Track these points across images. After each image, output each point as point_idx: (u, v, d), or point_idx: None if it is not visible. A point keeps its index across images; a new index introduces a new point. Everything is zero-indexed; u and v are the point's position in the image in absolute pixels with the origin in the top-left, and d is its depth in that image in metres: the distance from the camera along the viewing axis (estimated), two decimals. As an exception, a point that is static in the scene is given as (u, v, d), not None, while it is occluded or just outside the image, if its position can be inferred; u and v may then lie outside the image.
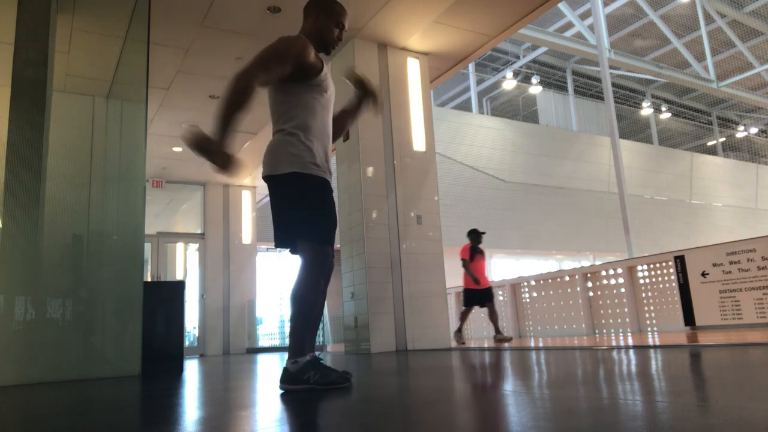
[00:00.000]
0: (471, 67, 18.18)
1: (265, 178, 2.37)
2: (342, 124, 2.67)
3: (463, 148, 16.15)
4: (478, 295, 7.17)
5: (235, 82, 2.17)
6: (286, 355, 2.34)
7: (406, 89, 6.56)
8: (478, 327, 9.79)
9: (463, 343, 6.95)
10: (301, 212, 2.31)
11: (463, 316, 7.37)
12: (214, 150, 2.11)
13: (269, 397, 2.18)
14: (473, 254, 7.29)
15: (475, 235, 7.38)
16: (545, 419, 1.33)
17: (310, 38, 2.45)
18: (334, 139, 2.58)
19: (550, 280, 8.51)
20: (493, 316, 7.06)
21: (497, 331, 6.99)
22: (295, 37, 2.39)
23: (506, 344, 6.23)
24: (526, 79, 18.32)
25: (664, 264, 6.98)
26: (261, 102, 7.79)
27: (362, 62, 6.32)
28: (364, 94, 2.59)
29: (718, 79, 17.22)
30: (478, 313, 9.89)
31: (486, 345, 6.27)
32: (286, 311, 11.51)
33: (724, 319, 6.09)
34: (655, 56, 17.92)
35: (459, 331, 7.23)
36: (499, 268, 17.51)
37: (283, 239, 2.36)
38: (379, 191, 6.17)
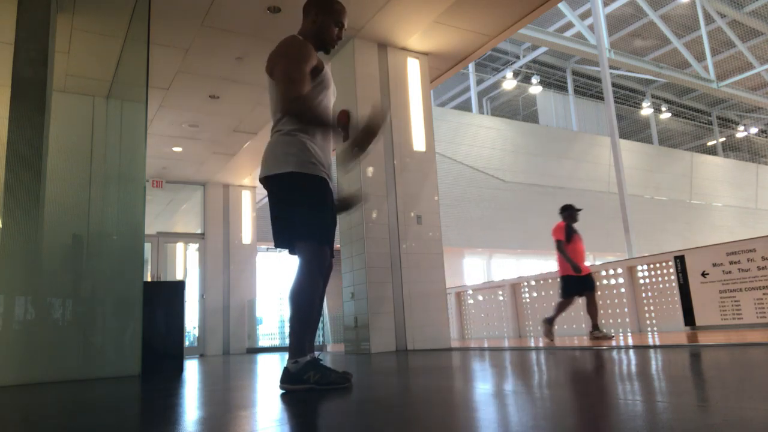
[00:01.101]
0: (471, 67, 18.18)
1: (263, 179, 2.36)
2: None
3: (463, 148, 16.14)
4: (579, 282, 6.15)
5: (297, 109, 2.28)
6: (286, 355, 2.34)
7: (406, 89, 6.56)
8: (478, 327, 9.79)
9: (551, 340, 6.14)
10: (299, 212, 2.30)
11: (561, 308, 6.33)
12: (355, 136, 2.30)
13: (269, 397, 2.18)
14: (570, 234, 6.28)
15: (570, 212, 6.37)
16: (545, 419, 1.33)
17: (309, 38, 2.44)
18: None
19: (550, 280, 8.51)
20: (592, 308, 6.11)
21: (595, 326, 6.03)
22: (296, 38, 2.39)
23: (605, 343, 5.10)
24: (526, 79, 18.32)
25: (664, 264, 6.98)
26: (260, 102, 7.78)
27: (362, 62, 6.32)
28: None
29: (718, 79, 17.22)
30: (479, 312, 9.90)
31: (486, 345, 6.27)
32: (286, 311, 11.51)
33: (724, 319, 6.09)
34: (655, 56, 17.92)
35: (550, 323, 6.28)
36: (499, 268, 17.52)
37: (282, 240, 2.35)
38: (379, 191, 6.17)
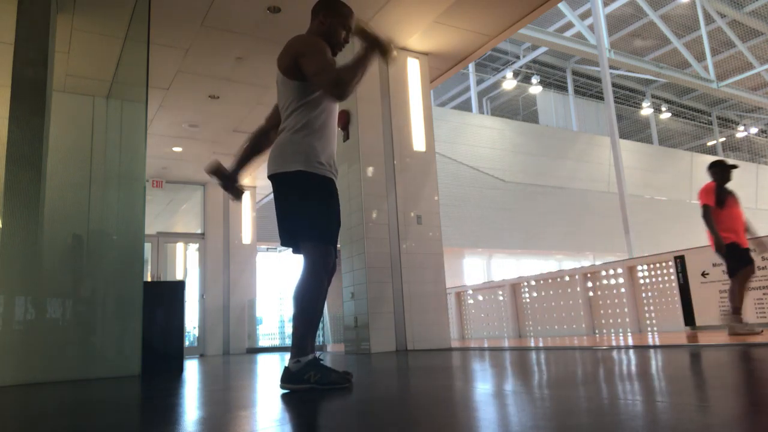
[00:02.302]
0: (471, 67, 18.18)
1: (271, 176, 2.38)
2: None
3: (463, 148, 16.15)
4: (745, 253, 4.83)
5: (342, 89, 2.21)
6: (286, 355, 2.34)
7: (406, 89, 6.55)
8: (478, 326, 9.79)
9: (758, 332, 4.65)
10: (305, 211, 2.31)
11: (740, 289, 4.81)
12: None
13: (269, 397, 2.18)
14: (722, 197, 4.86)
15: (720, 169, 4.96)
16: (545, 419, 1.33)
17: None
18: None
19: (550, 280, 8.51)
20: (741, 290, 4.81)
21: (737, 310, 4.78)
22: (311, 36, 2.40)
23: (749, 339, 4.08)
24: (526, 79, 18.32)
25: (664, 264, 6.98)
26: (260, 102, 7.75)
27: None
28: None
29: (718, 79, 17.23)
30: (479, 312, 9.89)
31: (486, 345, 6.26)
32: (286, 311, 11.51)
33: (725, 319, 6.08)
34: (655, 56, 17.92)
35: (737, 312, 4.75)
36: (499, 268, 17.52)
37: (287, 238, 2.37)
38: (379, 191, 6.17)
